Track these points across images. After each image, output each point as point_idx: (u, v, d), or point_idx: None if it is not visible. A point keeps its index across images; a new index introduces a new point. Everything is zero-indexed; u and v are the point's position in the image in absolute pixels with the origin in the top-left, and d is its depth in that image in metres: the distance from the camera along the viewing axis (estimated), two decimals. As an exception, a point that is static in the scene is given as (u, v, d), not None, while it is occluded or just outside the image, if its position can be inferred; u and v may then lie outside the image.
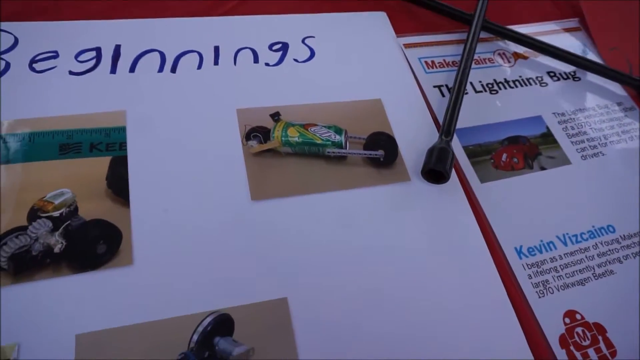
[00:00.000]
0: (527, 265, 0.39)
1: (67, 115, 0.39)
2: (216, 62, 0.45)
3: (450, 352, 0.34)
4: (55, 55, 0.43)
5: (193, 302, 0.33)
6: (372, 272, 0.36)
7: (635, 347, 0.37)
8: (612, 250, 0.42)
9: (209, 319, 0.32)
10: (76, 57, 0.43)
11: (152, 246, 0.35)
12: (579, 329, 0.37)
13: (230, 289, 0.34)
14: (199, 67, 0.44)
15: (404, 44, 0.51)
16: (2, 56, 0.41)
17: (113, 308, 0.32)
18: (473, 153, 0.45)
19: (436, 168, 0.39)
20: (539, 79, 0.52)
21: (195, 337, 0.32)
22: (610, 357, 0.37)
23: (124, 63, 0.43)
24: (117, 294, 0.33)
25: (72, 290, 0.32)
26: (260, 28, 0.49)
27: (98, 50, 0.44)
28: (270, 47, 0.48)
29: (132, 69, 0.43)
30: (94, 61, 0.43)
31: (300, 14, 0.51)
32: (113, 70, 0.43)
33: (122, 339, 0.31)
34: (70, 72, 0.42)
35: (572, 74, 0.54)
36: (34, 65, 0.41)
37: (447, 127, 0.42)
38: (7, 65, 0.41)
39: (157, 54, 0.44)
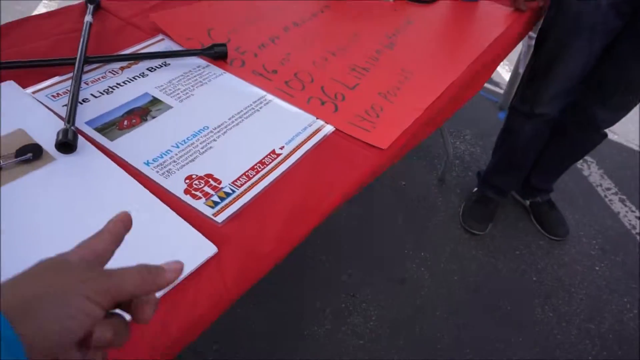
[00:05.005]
0: (154, 167, 0.61)
1: None
2: None
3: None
4: None
5: None
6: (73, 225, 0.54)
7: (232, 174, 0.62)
8: (208, 138, 0.67)
9: None
10: None
11: None
12: (196, 181, 0.60)
13: None
14: None
15: (32, 92, 0.70)
16: None
17: None
18: (102, 128, 0.66)
19: (61, 141, 0.59)
20: (141, 74, 0.78)
21: None
22: (217, 186, 0.60)
23: None
24: None
25: None
26: None
27: None
28: None
29: None
30: None
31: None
32: None
33: None
34: None
35: (163, 64, 0.81)
36: None
37: (68, 118, 0.63)
38: None
39: None
